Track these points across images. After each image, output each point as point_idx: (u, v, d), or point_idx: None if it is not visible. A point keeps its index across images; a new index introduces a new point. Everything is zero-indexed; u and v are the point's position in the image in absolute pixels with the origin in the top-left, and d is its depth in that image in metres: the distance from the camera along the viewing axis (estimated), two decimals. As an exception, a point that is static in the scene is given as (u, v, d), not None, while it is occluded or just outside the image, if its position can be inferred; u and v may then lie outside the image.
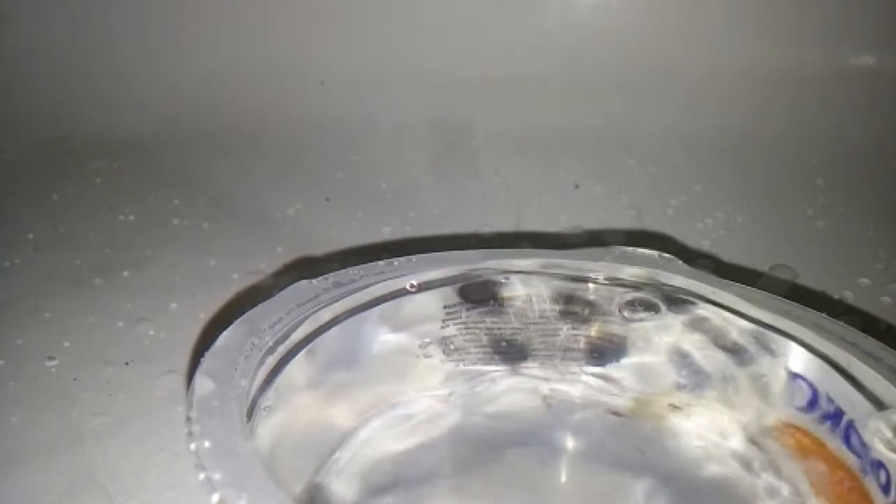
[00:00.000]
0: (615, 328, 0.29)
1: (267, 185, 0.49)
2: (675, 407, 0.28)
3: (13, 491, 0.26)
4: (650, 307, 0.29)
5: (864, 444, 0.22)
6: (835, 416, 0.24)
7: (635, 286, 0.29)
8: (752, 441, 0.26)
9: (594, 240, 0.43)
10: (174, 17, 0.57)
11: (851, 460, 0.23)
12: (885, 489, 0.22)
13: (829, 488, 0.24)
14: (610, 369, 0.29)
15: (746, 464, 0.26)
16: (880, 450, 0.22)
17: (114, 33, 0.58)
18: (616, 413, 0.28)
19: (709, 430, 0.27)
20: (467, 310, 0.28)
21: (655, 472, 0.26)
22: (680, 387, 0.28)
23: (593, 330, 0.29)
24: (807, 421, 0.25)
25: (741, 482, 0.25)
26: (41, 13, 0.57)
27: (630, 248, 0.30)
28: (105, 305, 0.36)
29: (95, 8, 0.57)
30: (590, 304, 0.29)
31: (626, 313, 0.29)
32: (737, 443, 0.26)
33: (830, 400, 0.24)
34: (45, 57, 0.57)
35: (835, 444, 0.24)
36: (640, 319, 0.29)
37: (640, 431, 0.28)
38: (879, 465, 0.22)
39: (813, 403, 0.25)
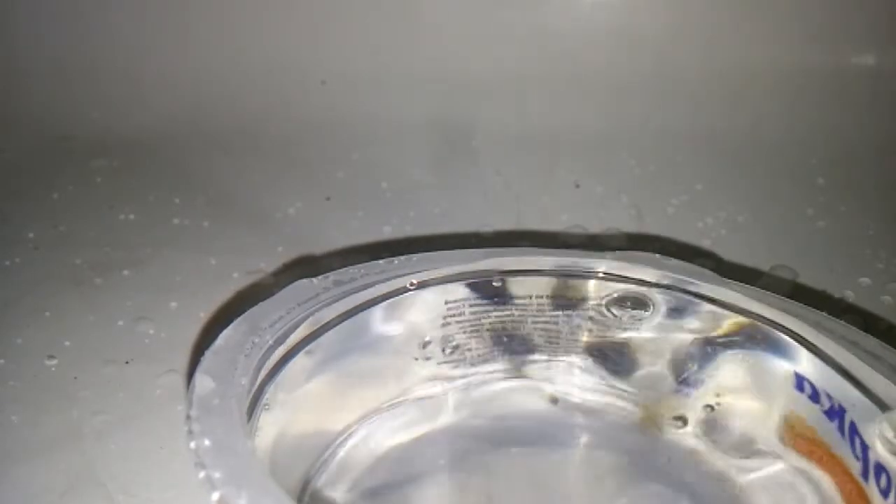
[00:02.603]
0: (614, 328, 0.29)
1: (267, 185, 0.49)
2: (679, 409, 0.28)
3: (13, 489, 0.26)
4: (640, 305, 0.28)
5: (865, 446, 0.22)
6: (839, 413, 0.24)
7: (634, 284, 0.29)
8: (757, 440, 0.26)
9: (594, 239, 0.43)
10: (174, 17, 0.57)
11: (853, 463, 0.23)
12: (885, 493, 0.22)
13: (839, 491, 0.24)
14: (610, 369, 0.29)
15: (751, 462, 0.26)
16: (882, 453, 0.22)
17: (114, 33, 0.58)
18: (619, 415, 0.28)
19: (715, 431, 0.27)
20: (469, 306, 0.28)
21: (661, 476, 0.26)
22: (680, 389, 0.28)
23: (593, 329, 0.29)
24: (812, 417, 0.25)
25: (739, 479, 0.25)
26: (41, 12, 0.57)
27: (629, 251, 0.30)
28: (105, 304, 0.36)
29: (96, 7, 0.57)
30: (588, 302, 0.29)
31: (615, 311, 0.29)
32: (743, 441, 0.26)
33: (830, 397, 0.24)
34: (45, 56, 0.57)
35: (838, 444, 0.24)
36: (631, 318, 0.29)
37: (643, 435, 0.28)
38: (880, 467, 0.22)
39: (815, 401, 0.25)
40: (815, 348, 0.25)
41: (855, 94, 0.54)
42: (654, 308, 0.28)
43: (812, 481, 0.24)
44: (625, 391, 0.29)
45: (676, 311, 0.28)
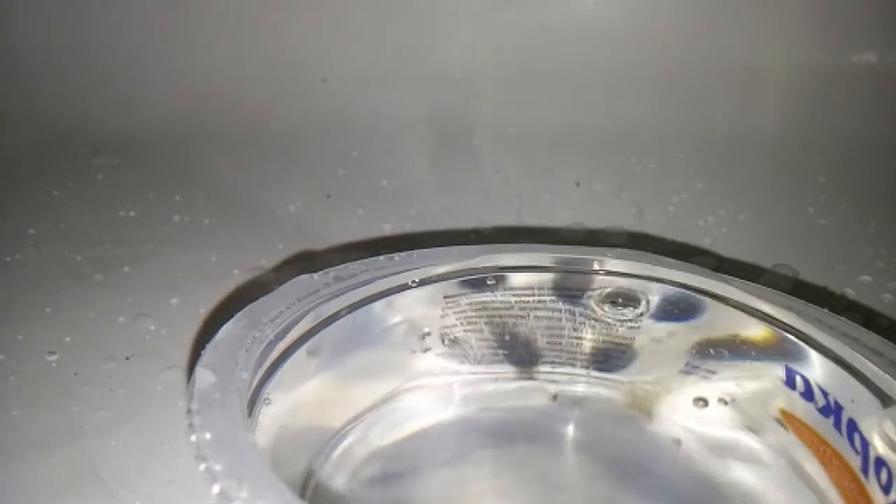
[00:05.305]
0: (613, 325, 0.29)
1: (268, 182, 0.49)
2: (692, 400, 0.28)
3: (13, 486, 0.26)
4: (632, 303, 0.28)
5: (865, 442, 0.22)
6: (836, 411, 0.24)
7: (633, 282, 0.29)
8: (756, 432, 0.26)
9: (594, 237, 0.43)
10: (175, 15, 0.57)
11: (853, 458, 0.23)
12: (886, 489, 0.22)
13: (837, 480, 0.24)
14: (612, 366, 0.29)
15: (754, 456, 0.26)
16: (882, 449, 0.22)
17: (115, 30, 0.58)
18: (621, 408, 0.28)
19: (717, 423, 0.27)
20: (467, 301, 0.28)
21: (661, 467, 0.26)
22: (683, 382, 0.28)
23: (593, 326, 0.29)
24: (808, 413, 0.25)
25: (748, 473, 0.25)
26: (43, 11, 0.57)
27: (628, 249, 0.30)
28: (106, 301, 0.36)
29: (97, 5, 0.57)
30: (585, 299, 0.29)
31: (606, 308, 0.29)
32: (743, 435, 0.26)
33: (825, 393, 0.24)
34: (47, 54, 0.57)
35: (836, 440, 0.24)
36: (622, 315, 0.29)
37: (646, 427, 0.28)
38: (881, 463, 0.22)
39: (810, 397, 0.25)
40: (816, 343, 0.25)
41: (855, 92, 0.54)
42: (647, 306, 0.28)
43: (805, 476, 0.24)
44: (622, 385, 0.29)
45: (675, 309, 0.28)
